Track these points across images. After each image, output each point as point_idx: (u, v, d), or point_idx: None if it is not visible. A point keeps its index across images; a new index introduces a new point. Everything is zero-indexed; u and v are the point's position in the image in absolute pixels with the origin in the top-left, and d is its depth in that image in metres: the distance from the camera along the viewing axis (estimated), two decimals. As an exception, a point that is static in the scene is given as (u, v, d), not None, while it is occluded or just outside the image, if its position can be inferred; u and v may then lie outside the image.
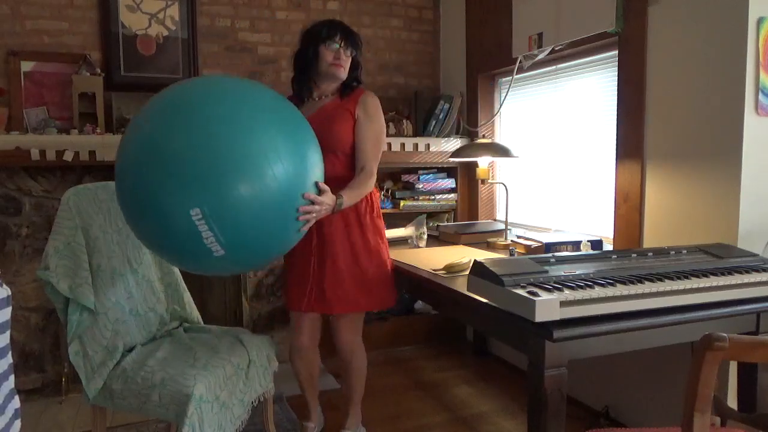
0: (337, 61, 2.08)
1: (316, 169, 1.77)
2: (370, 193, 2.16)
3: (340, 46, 2.08)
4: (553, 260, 1.71)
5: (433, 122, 3.45)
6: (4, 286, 1.02)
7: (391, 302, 2.24)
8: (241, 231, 1.59)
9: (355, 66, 2.16)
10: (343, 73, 2.11)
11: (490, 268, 1.60)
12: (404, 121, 3.46)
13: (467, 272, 1.78)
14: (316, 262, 2.14)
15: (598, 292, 1.50)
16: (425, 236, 2.75)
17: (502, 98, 3.29)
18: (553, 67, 2.93)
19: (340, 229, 2.11)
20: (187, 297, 2.27)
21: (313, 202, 1.73)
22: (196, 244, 1.58)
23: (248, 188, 1.55)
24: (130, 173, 1.62)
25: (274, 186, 1.60)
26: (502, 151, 2.80)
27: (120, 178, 1.67)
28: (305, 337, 2.26)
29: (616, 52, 2.42)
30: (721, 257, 1.78)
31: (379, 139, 2.14)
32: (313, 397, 2.40)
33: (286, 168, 1.62)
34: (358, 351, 2.27)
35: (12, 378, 1.05)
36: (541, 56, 2.82)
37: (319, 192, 1.76)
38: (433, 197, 3.52)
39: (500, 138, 3.41)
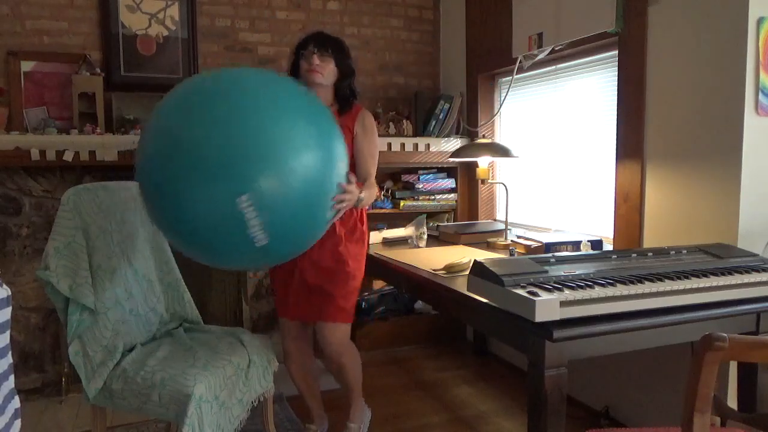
0: (310, 66, 2.09)
1: (344, 158, 1.79)
2: (361, 209, 2.22)
3: (314, 52, 2.08)
4: (553, 260, 1.71)
5: (433, 122, 3.45)
6: (4, 286, 1.02)
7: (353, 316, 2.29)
8: (286, 219, 1.58)
9: (345, 74, 2.16)
10: (320, 78, 2.10)
11: (490, 268, 1.60)
12: (404, 121, 3.46)
13: (467, 272, 1.78)
14: (303, 271, 2.16)
15: (598, 292, 1.50)
16: (425, 236, 2.75)
17: (502, 98, 3.29)
18: (553, 67, 2.93)
19: (329, 241, 2.11)
20: (187, 297, 2.27)
21: (345, 191, 1.76)
22: (239, 233, 1.55)
23: (294, 177, 1.55)
24: (157, 168, 1.58)
25: (317, 173, 1.60)
26: (502, 151, 2.80)
27: (146, 174, 1.62)
28: (293, 342, 2.30)
29: (616, 52, 2.42)
30: (721, 257, 1.78)
31: (376, 154, 2.22)
32: (313, 400, 2.41)
33: (323, 156, 1.63)
34: (347, 352, 2.26)
35: (12, 378, 1.05)
36: (541, 56, 2.82)
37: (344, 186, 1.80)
38: (433, 197, 3.52)
39: (500, 138, 3.41)
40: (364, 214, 2.27)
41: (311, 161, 1.60)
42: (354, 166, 2.15)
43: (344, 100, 2.18)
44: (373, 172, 2.19)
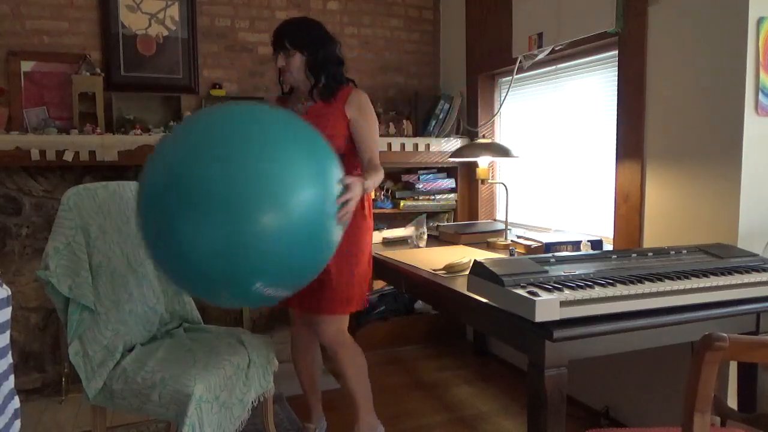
0: (280, 69, 2.07)
1: (335, 170, 1.65)
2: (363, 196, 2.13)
3: (277, 54, 2.06)
4: (553, 260, 1.71)
5: (433, 122, 3.45)
6: (4, 286, 1.02)
7: (366, 302, 2.21)
8: (299, 270, 1.55)
9: (318, 64, 2.05)
10: (290, 79, 2.07)
11: (490, 268, 1.60)
12: (404, 121, 3.46)
13: (467, 272, 1.78)
14: None
15: (598, 292, 1.50)
16: (425, 236, 2.75)
17: (502, 98, 3.29)
18: (553, 67, 2.93)
19: None
20: (187, 297, 2.27)
21: (345, 203, 1.63)
22: (260, 300, 1.56)
23: (301, 232, 1.47)
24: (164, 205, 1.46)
25: (316, 210, 1.51)
26: (502, 151, 2.80)
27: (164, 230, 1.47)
28: (302, 328, 2.29)
29: (616, 52, 2.42)
30: (721, 257, 1.78)
31: (376, 134, 2.13)
32: (314, 398, 2.40)
33: (317, 189, 1.52)
34: (344, 346, 2.16)
35: (12, 378, 1.05)
36: (541, 56, 2.82)
37: (346, 187, 1.65)
38: (433, 197, 3.52)
39: (500, 138, 3.41)
40: (369, 200, 2.19)
41: (308, 201, 1.48)
42: (354, 150, 2.09)
43: (325, 88, 2.07)
44: (377, 152, 2.09)
